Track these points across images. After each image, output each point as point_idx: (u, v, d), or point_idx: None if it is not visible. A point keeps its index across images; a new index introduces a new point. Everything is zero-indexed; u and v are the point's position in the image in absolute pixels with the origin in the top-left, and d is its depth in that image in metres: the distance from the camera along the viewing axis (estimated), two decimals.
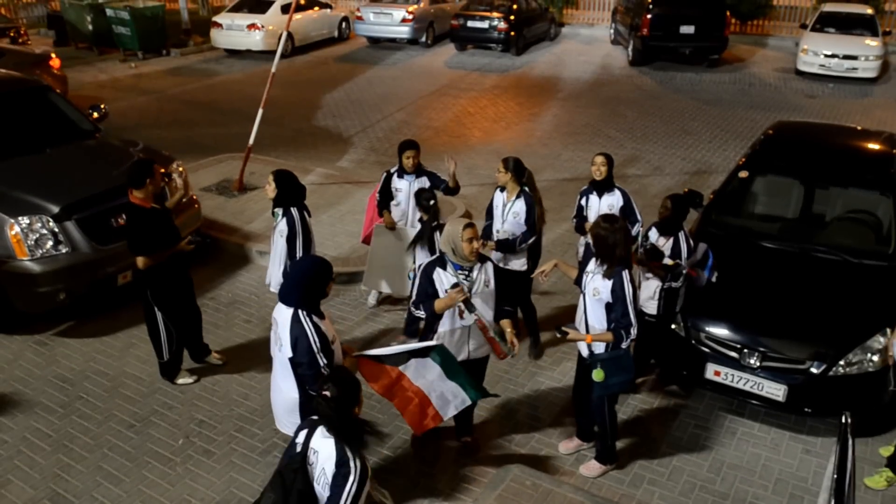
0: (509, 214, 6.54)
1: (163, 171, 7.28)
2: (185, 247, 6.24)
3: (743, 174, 7.58)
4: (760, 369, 5.97)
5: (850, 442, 4.86)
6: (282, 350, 4.59)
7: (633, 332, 5.13)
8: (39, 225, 7.02)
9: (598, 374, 5.22)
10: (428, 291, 5.18)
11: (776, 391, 5.94)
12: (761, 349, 5.97)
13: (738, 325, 6.14)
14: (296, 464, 3.74)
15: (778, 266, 6.62)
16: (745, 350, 6.02)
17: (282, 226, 6.01)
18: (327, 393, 3.63)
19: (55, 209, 7.12)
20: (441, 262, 5.20)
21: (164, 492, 5.49)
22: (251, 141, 10.71)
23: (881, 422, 6.07)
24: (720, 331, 6.16)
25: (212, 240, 8.83)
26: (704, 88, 17.30)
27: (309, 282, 4.57)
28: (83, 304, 7.54)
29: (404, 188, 7.16)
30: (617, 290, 5.09)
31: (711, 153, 12.80)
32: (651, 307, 6.17)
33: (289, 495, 3.71)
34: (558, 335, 5.24)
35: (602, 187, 6.76)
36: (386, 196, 7.26)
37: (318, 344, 4.48)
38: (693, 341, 6.27)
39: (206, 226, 9.11)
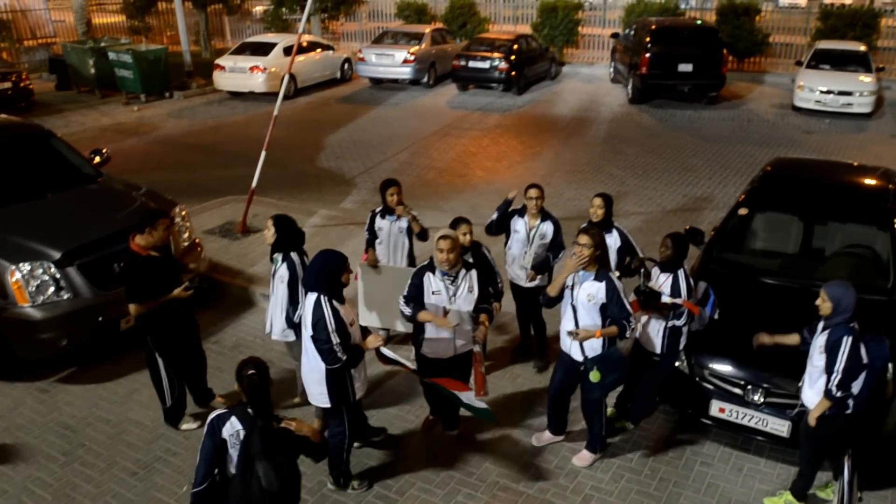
0: (536, 237, 6.96)
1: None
2: (182, 294, 6.17)
3: (743, 211, 7.63)
4: (764, 405, 5.97)
5: (854, 477, 4.86)
6: (307, 329, 5.26)
7: (633, 321, 5.67)
8: (41, 271, 7.05)
9: (595, 376, 5.66)
10: (415, 292, 5.78)
11: (780, 427, 5.92)
12: (765, 385, 5.97)
13: (741, 361, 6.14)
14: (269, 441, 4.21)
15: (779, 302, 6.63)
16: (749, 386, 6.02)
17: (282, 271, 6.03)
18: (252, 372, 4.24)
19: (56, 255, 7.15)
20: (431, 267, 5.80)
21: None
22: (254, 183, 10.78)
23: (884, 458, 6.03)
24: (724, 368, 6.16)
25: (209, 283, 8.82)
26: (703, 125, 17.45)
27: (326, 273, 5.26)
28: (85, 349, 7.54)
29: (385, 227, 7.37)
30: (611, 289, 5.59)
31: (712, 189, 12.87)
32: (656, 345, 6.17)
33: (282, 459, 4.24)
34: (571, 338, 5.67)
35: (600, 227, 6.78)
36: (372, 235, 7.48)
37: (332, 325, 5.14)
38: (697, 378, 6.27)
39: (209, 269, 9.13)
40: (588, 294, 5.63)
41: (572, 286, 5.73)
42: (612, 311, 5.61)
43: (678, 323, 6.03)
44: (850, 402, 5.33)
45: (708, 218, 11.25)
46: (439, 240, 5.67)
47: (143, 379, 7.11)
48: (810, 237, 7.38)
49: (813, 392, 5.43)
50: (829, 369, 5.25)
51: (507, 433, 6.61)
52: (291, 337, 6.18)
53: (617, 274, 6.73)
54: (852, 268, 7.04)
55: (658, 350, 6.18)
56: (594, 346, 5.72)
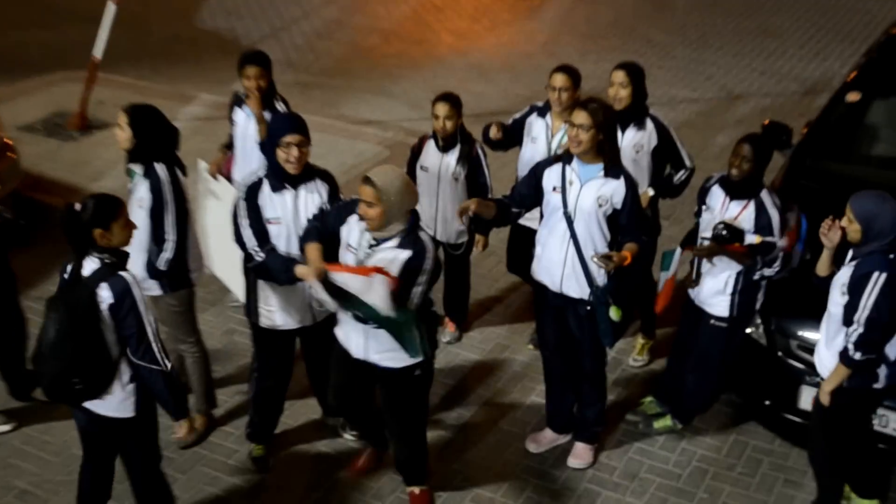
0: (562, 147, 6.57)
1: None
2: None
3: (853, 97, 7.60)
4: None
5: None
6: None
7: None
8: None
9: (616, 312, 5.80)
10: (334, 220, 5.56)
11: None
12: None
13: None
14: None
15: None
16: None
17: (142, 191, 5.90)
18: (77, 206, 4.87)
19: None
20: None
21: None
22: (98, 53, 10.62)
23: None
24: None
25: (27, 221, 8.62)
26: None
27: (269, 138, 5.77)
28: None
29: (241, 123, 7.34)
30: (631, 190, 5.72)
31: (805, 64, 12.87)
32: (720, 306, 6.14)
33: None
34: (595, 260, 5.62)
35: (627, 117, 6.72)
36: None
37: (243, 208, 5.70)
38: (780, 353, 6.29)
39: (28, 185, 9.00)
40: (599, 197, 5.69)
41: (563, 186, 5.77)
42: (626, 220, 5.74)
43: (768, 272, 5.99)
44: (884, 371, 5.35)
45: (798, 108, 11.23)
46: (361, 185, 5.24)
47: None
48: None
49: (829, 353, 5.47)
50: (848, 318, 5.26)
51: (491, 437, 6.66)
52: (155, 290, 6.06)
53: (651, 192, 6.70)
54: None
55: (725, 312, 6.15)
56: (599, 274, 5.78)
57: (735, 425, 6.74)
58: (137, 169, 5.96)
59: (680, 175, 6.88)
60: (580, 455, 6.40)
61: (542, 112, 7.02)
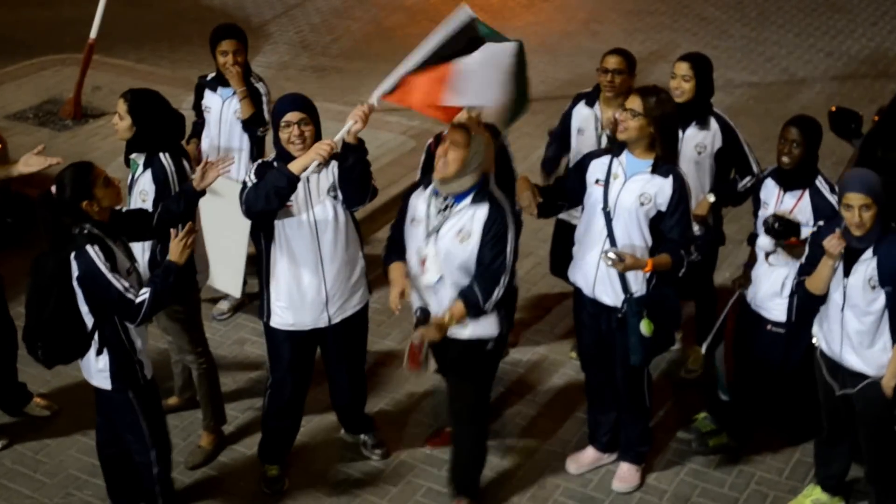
0: None
1: None
2: None
3: None
4: None
5: None
6: None
7: (693, 252, 5.91)
8: None
9: (647, 326, 5.73)
10: (399, 217, 5.87)
11: None
12: None
13: None
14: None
15: None
16: None
17: (144, 182, 5.94)
18: (53, 189, 5.13)
19: None
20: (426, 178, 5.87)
21: None
22: (94, 33, 10.61)
23: None
24: None
25: (15, 219, 8.72)
26: None
27: None
28: None
29: (214, 108, 7.39)
30: (679, 191, 5.69)
31: (877, 44, 12.82)
32: (777, 310, 6.11)
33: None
34: (608, 262, 5.59)
35: (689, 113, 6.67)
36: (200, 116, 7.56)
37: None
38: None
39: (17, 180, 8.93)
40: (642, 194, 5.69)
41: (607, 179, 5.77)
42: (669, 226, 5.73)
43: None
44: None
45: (870, 93, 11.16)
46: (454, 128, 5.55)
47: None
48: None
49: (879, 349, 5.48)
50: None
51: (528, 456, 6.67)
52: None
53: (711, 198, 6.67)
54: None
55: (783, 316, 6.12)
56: (636, 281, 5.78)
57: (797, 444, 6.70)
58: (138, 159, 6.01)
59: (745, 182, 6.77)
60: (625, 477, 6.38)
61: (590, 100, 7.02)
